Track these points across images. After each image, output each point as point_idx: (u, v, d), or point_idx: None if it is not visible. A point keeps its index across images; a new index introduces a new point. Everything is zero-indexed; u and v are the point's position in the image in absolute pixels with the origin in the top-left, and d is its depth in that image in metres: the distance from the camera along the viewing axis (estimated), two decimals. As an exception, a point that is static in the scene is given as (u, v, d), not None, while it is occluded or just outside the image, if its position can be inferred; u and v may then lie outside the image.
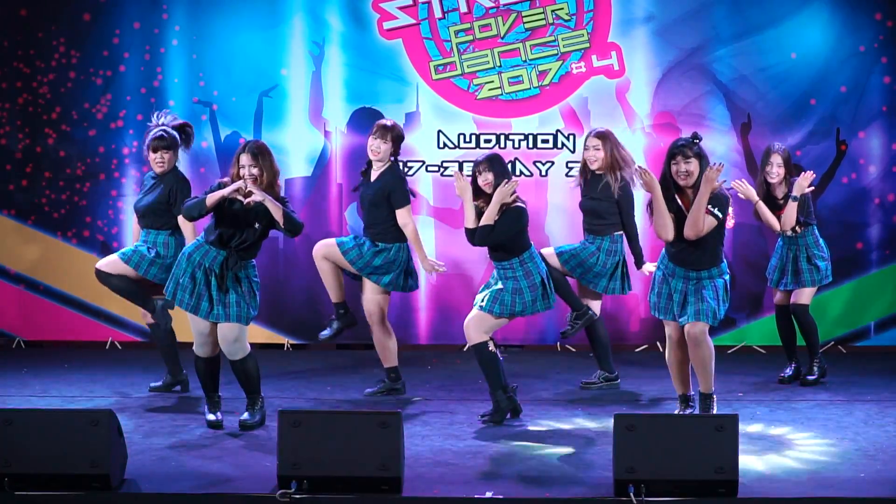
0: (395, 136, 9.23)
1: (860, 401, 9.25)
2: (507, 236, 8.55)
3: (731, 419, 6.90)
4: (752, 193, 9.54)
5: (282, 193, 8.33)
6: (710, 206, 8.03)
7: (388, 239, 9.19)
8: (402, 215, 9.15)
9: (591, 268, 9.46)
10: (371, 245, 9.19)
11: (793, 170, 9.63)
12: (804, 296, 9.56)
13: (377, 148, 9.19)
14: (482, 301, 8.63)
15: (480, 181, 8.61)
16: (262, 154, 8.24)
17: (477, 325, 8.60)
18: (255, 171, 8.19)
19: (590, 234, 9.54)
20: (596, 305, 9.58)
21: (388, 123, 9.29)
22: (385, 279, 9.19)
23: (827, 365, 9.76)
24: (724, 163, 8.35)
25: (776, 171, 9.53)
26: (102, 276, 9.22)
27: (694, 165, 8.11)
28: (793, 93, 10.96)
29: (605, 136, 9.46)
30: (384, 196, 9.15)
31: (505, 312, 8.60)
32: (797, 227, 9.50)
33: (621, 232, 9.50)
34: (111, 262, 9.21)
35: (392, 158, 9.24)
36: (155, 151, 9.21)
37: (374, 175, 9.25)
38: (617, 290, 9.53)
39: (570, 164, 10.96)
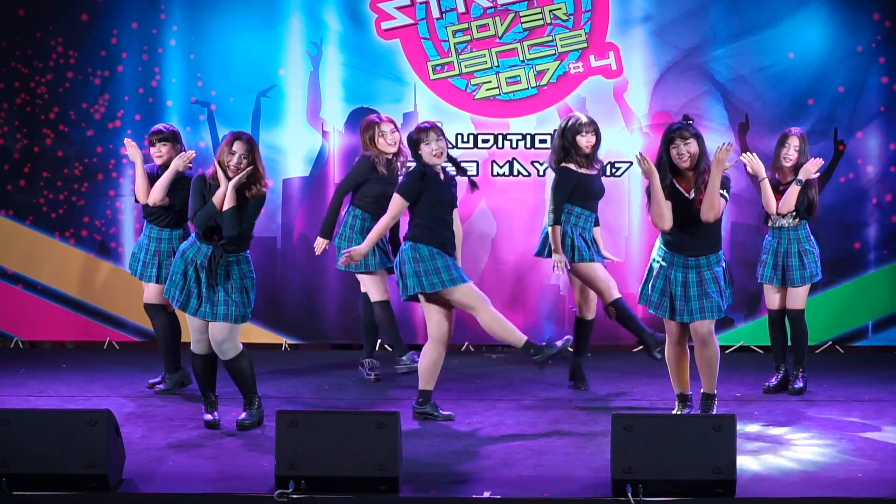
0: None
1: (858, 401, 9.25)
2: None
3: (728, 419, 6.90)
4: (761, 169, 9.34)
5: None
6: None
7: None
8: None
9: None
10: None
11: (808, 157, 9.45)
12: (799, 299, 9.40)
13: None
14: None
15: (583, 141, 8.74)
16: (255, 147, 8.20)
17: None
18: (245, 161, 8.14)
19: None
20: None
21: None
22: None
23: (807, 374, 9.46)
24: (731, 142, 8.26)
25: (793, 153, 9.40)
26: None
27: (694, 146, 8.07)
28: (790, 93, 10.96)
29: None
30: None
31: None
32: (794, 216, 9.38)
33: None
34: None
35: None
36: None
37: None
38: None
39: (567, 164, 10.97)
